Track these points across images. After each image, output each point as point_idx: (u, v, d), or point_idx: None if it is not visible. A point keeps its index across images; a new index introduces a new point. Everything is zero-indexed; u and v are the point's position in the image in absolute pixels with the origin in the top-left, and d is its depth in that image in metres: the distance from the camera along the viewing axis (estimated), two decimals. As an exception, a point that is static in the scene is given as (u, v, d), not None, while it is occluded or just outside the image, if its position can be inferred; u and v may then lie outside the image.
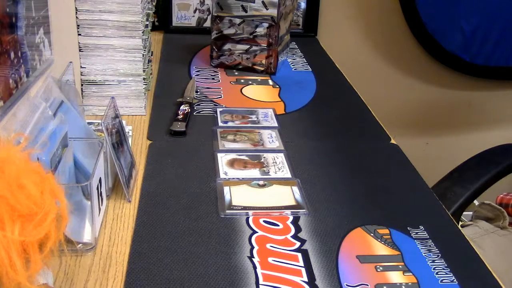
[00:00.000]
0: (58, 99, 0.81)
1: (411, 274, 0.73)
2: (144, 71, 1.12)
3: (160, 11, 1.70)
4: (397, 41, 1.89)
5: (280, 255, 0.75)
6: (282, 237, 0.79)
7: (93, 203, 0.73)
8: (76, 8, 1.05)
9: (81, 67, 1.09)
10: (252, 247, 0.76)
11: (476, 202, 1.48)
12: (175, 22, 1.71)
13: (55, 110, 0.79)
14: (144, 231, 0.78)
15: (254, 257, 0.74)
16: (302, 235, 0.79)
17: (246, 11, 1.36)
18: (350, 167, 1.00)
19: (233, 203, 0.85)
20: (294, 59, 1.55)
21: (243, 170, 0.95)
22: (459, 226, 0.89)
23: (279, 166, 0.97)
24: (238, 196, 0.88)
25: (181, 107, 1.15)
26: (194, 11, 1.71)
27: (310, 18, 1.77)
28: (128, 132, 1.01)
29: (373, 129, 1.16)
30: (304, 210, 0.85)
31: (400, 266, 0.74)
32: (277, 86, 1.35)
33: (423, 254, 0.77)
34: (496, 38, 1.84)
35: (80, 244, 0.73)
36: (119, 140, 0.86)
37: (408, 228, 0.82)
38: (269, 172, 0.95)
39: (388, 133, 1.14)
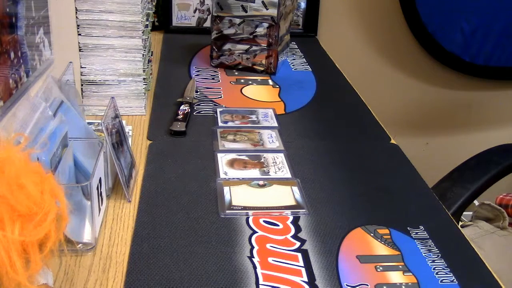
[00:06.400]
0: (58, 99, 0.81)
1: (411, 274, 0.73)
2: (144, 71, 1.12)
3: (160, 11, 1.70)
4: (397, 41, 1.89)
5: (280, 255, 0.75)
6: (282, 237, 0.79)
7: (93, 203, 0.73)
8: (76, 8, 1.05)
9: (81, 67, 1.09)
10: (252, 247, 0.76)
11: (476, 202, 1.48)
12: (175, 22, 1.71)
13: (55, 110, 0.79)
14: (144, 231, 0.78)
15: (254, 257, 0.74)
16: (302, 235, 0.79)
17: (246, 11, 1.36)
18: (350, 167, 1.00)
19: (233, 203, 0.85)
20: (294, 59, 1.55)
21: (243, 170, 0.95)
22: (459, 226, 0.89)
23: (279, 166, 0.97)
24: (238, 196, 0.88)
25: (181, 107, 1.15)
26: (194, 11, 1.71)
27: (310, 18, 1.77)
28: (128, 132, 1.01)
29: (373, 129, 1.16)
30: (304, 210, 0.85)
31: (400, 266, 0.74)
32: (277, 86, 1.35)
33: (423, 254, 0.77)
34: (496, 38, 1.84)
35: (80, 244, 0.73)
36: (119, 140, 0.86)
37: (408, 228, 0.82)
38: (269, 172, 0.95)
39: (388, 133, 1.14)
